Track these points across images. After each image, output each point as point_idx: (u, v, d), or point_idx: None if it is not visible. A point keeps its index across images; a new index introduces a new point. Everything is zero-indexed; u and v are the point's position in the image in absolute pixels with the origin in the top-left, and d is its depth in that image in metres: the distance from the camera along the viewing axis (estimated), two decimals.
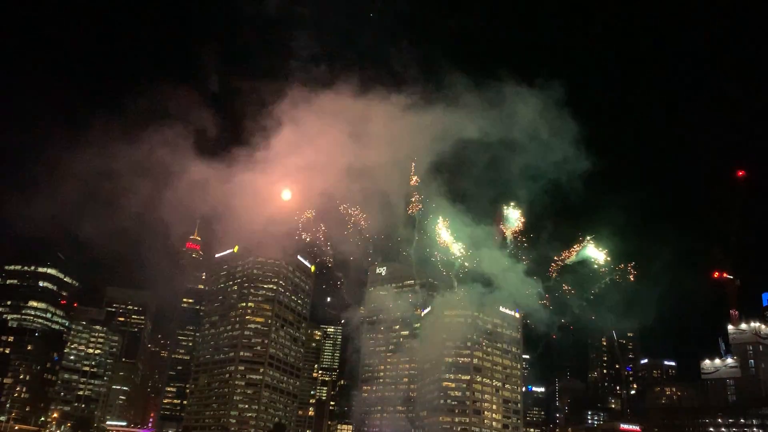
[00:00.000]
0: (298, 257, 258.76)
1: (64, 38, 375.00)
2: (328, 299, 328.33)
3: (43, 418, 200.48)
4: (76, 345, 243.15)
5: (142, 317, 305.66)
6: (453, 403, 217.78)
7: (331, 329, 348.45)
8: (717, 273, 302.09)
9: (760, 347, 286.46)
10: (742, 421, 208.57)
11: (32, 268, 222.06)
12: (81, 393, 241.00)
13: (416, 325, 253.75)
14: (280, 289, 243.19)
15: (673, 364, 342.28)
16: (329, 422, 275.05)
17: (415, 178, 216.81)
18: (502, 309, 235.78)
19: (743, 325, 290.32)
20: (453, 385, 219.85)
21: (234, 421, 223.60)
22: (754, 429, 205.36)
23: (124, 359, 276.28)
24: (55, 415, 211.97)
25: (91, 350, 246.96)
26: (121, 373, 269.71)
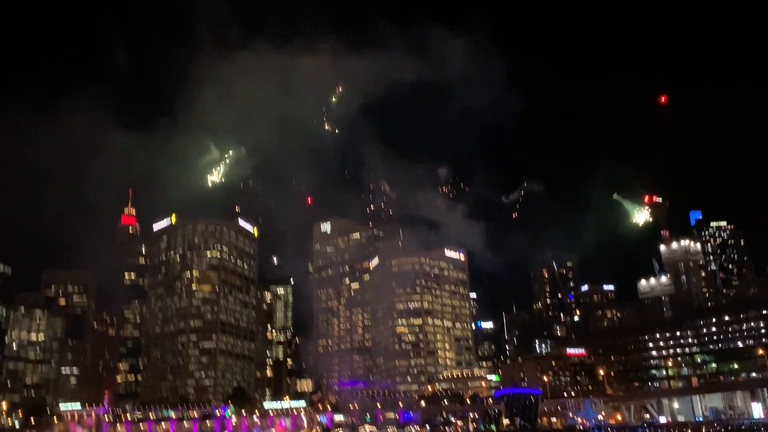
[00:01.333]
0: (240, 220, 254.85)
1: None
2: (275, 260, 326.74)
3: None
4: (17, 332, 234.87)
5: (84, 297, 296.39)
6: (407, 347, 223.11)
7: (281, 289, 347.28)
8: (647, 196, 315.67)
9: (691, 263, 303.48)
10: (678, 333, 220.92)
11: None
12: (29, 381, 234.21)
13: (365, 277, 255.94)
14: (224, 255, 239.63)
15: (611, 288, 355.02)
16: (288, 379, 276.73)
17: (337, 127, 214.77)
18: (447, 252, 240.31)
19: (674, 245, 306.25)
20: (406, 330, 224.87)
21: (192, 390, 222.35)
22: (690, 340, 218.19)
23: (70, 341, 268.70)
24: (4, 405, 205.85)
25: (33, 336, 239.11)
26: (69, 356, 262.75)
